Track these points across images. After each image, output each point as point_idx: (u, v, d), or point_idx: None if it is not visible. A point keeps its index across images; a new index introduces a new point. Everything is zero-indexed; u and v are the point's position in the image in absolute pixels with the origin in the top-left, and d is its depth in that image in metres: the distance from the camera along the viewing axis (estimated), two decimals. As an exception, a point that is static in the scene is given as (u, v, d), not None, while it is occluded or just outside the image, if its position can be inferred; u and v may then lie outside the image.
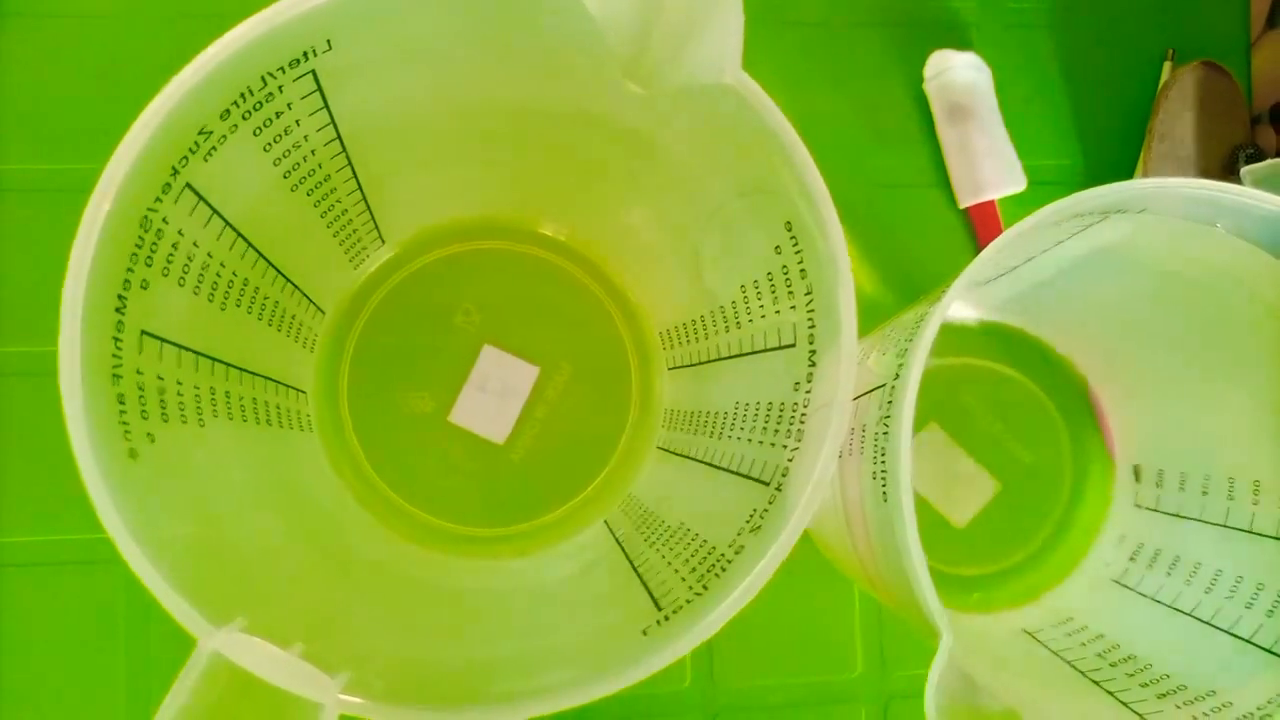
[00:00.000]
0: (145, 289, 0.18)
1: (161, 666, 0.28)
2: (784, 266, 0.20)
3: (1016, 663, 0.24)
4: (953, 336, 0.28)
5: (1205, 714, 0.20)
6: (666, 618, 0.18)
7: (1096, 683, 0.22)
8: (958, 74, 0.31)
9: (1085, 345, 0.27)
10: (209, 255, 0.20)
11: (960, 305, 0.28)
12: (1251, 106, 0.33)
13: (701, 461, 0.24)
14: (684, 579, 0.20)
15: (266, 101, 0.19)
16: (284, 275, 0.24)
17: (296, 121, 0.20)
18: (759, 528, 0.19)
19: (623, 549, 0.25)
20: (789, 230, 0.20)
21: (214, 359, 0.22)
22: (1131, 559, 0.25)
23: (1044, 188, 0.32)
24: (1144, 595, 0.24)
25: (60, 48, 0.29)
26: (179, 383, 0.20)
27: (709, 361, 0.25)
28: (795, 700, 0.29)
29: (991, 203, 0.31)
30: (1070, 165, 0.32)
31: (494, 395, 0.29)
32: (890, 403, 0.19)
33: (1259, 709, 0.20)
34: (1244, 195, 0.19)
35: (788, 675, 0.29)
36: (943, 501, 0.28)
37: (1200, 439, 0.25)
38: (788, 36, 0.32)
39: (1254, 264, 0.21)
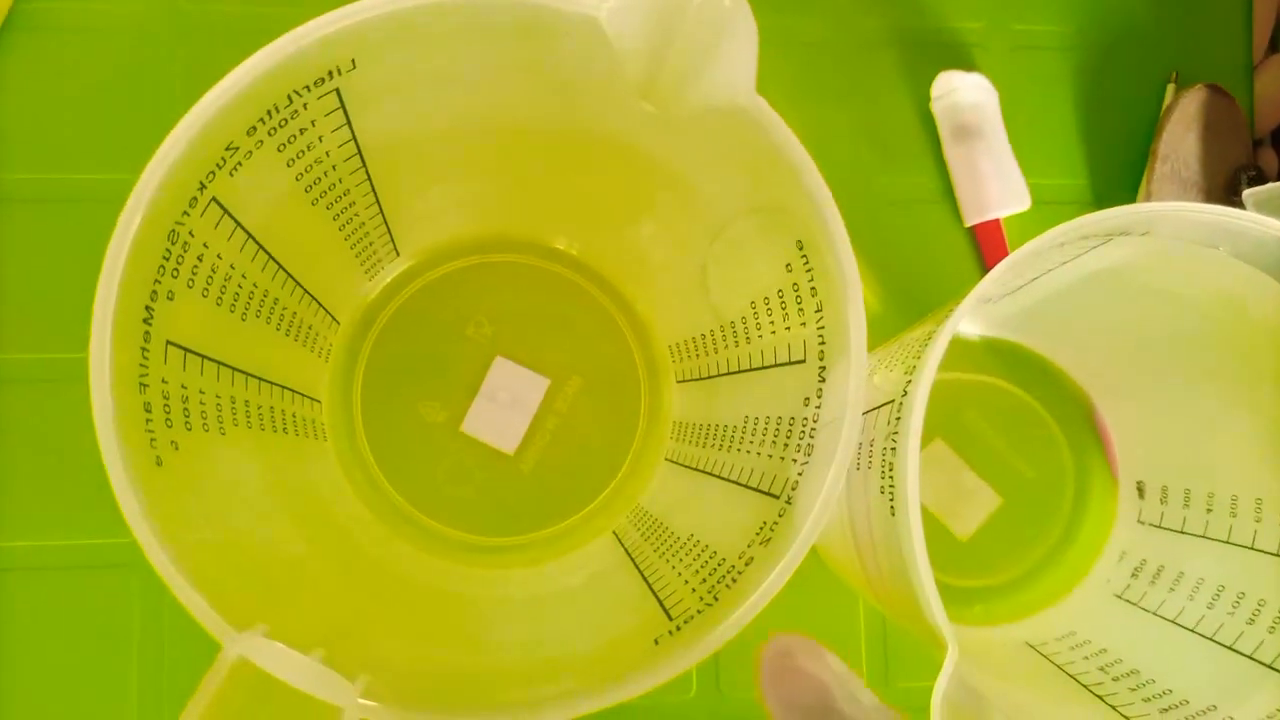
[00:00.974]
0: (171, 300, 0.19)
1: (174, 670, 0.28)
2: (794, 284, 0.21)
3: (1020, 675, 0.25)
4: (957, 352, 0.29)
5: (1206, 728, 0.21)
6: (678, 628, 0.19)
7: (1099, 696, 0.22)
8: (965, 95, 0.31)
9: (1088, 362, 0.28)
10: (231, 267, 0.21)
11: (965, 321, 0.28)
12: (1254, 129, 0.33)
13: (711, 474, 0.24)
14: (694, 590, 0.20)
15: (291, 118, 0.19)
16: (301, 286, 0.25)
17: (319, 138, 0.21)
18: (769, 540, 0.19)
19: (632, 559, 0.25)
20: (800, 249, 0.20)
21: (234, 368, 0.22)
22: (1134, 575, 0.26)
23: (1048, 207, 0.32)
24: (1146, 611, 0.25)
25: (64, 61, 0.30)
26: (201, 391, 0.20)
27: (718, 376, 0.26)
28: (799, 711, 0.30)
29: (996, 221, 0.32)
30: (1074, 185, 0.33)
31: (505, 406, 0.29)
32: (898, 419, 0.19)
33: (1259, 724, 0.20)
34: (1246, 219, 0.19)
35: (792, 686, 0.30)
36: (947, 514, 0.28)
37: (1203, 456, 0.25)
38: (797, 56, 0.32)
39: (1255, 286, 0.21)
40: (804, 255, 0.20)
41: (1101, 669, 0.23)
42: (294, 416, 0.26)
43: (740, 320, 0.24)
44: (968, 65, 0.32)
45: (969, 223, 0.32)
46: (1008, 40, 0.33)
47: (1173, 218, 0.20)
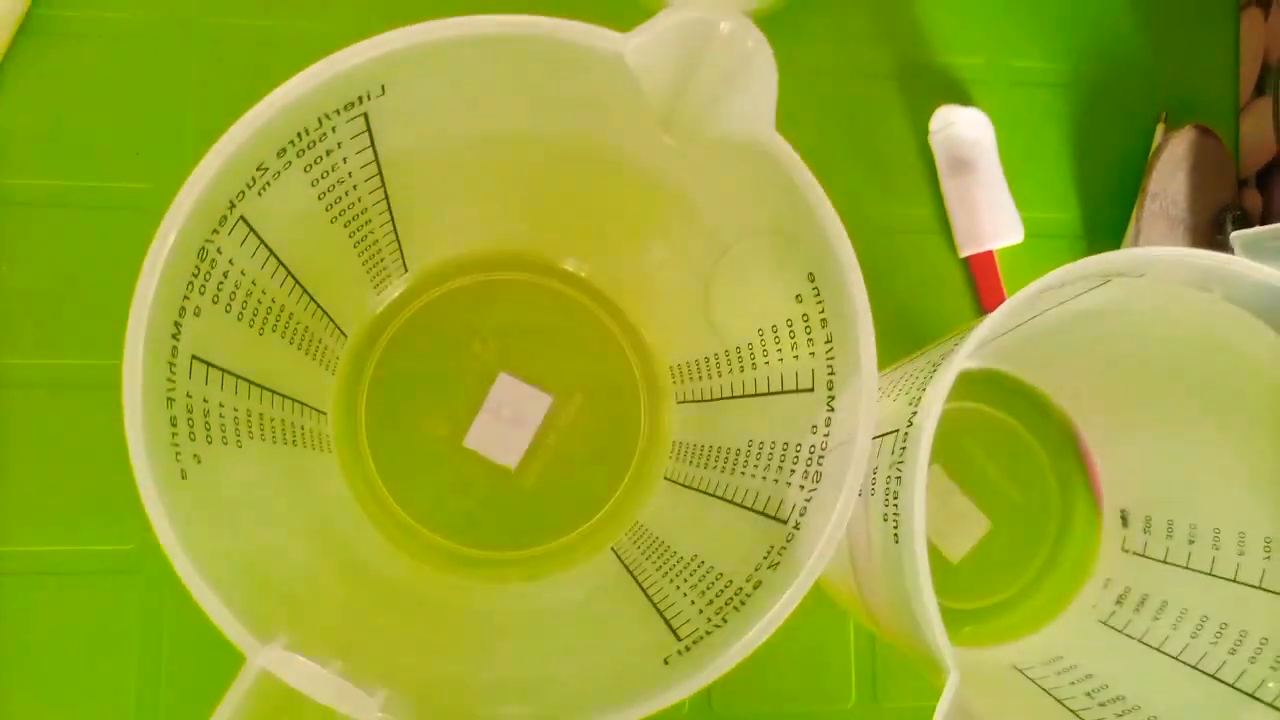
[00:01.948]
0: (197, 316, 0.19)
1: (173, 677, 0.28)
2: (804, 315, 0.21)
3: (1007, 698, 0.25)
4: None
5: (1189, 754, 0.21)
6: (687, 648, 0.19)
7: (1086, 721, 0.23)
8: (962, 129, 0.32)
9: (1075, 393, 0.29)
10: (253, 282, 0.21)
11: (961, 351, 0.29)
12: (1239, 169, 0.34)
13: (713, 495, 0.25)
14: (701, 610, 0.20)
15: (320, 140, 0.20)
16: (314, 300, 0.25)
17: (344, 158, 0.21)
18: (777, 564, 0.20)
19: (634, 576, 0.25)
20: (811, 281, 0.21)
21: (250, 381, 0.22)
22: (1119, 601, 0.26)
23: (1040, 239, 0.33)
24: (1131, 638, 0.25)
25: (78, 68, 0.30)
26: (221, 405, 0.21)
27: (721, 399, 0.26)
28: (789, 728, 0.30)
29: (990, 252, 0.33)
30: (1066, 219, 0.34)
31: (507, 422, 0.29)
32: (903, 449, 0.20)
33: (1240, 751, 0.21)
34: (1240, 265, 0.20)
35: (783, 704, 0.30)
36: (938, 537, 0.29)
37: (1187, 489, 0.26)
38: (799, 82, 0.33)
39: (1244, 329, 0.22)
40: (815, 288, 0.21)
41: (1088, 694, 0.24)
42: (302, 429, 0.26)
43: (746, 346, 0.25)
44: (966, 99, 0.33)
45: (963, 253, 0.33)
46: (1006, 76, 0.34)
47: (1170, 262, 0.20)
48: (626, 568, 0.26)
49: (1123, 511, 0.28)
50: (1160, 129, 0.34)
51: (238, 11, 0.31)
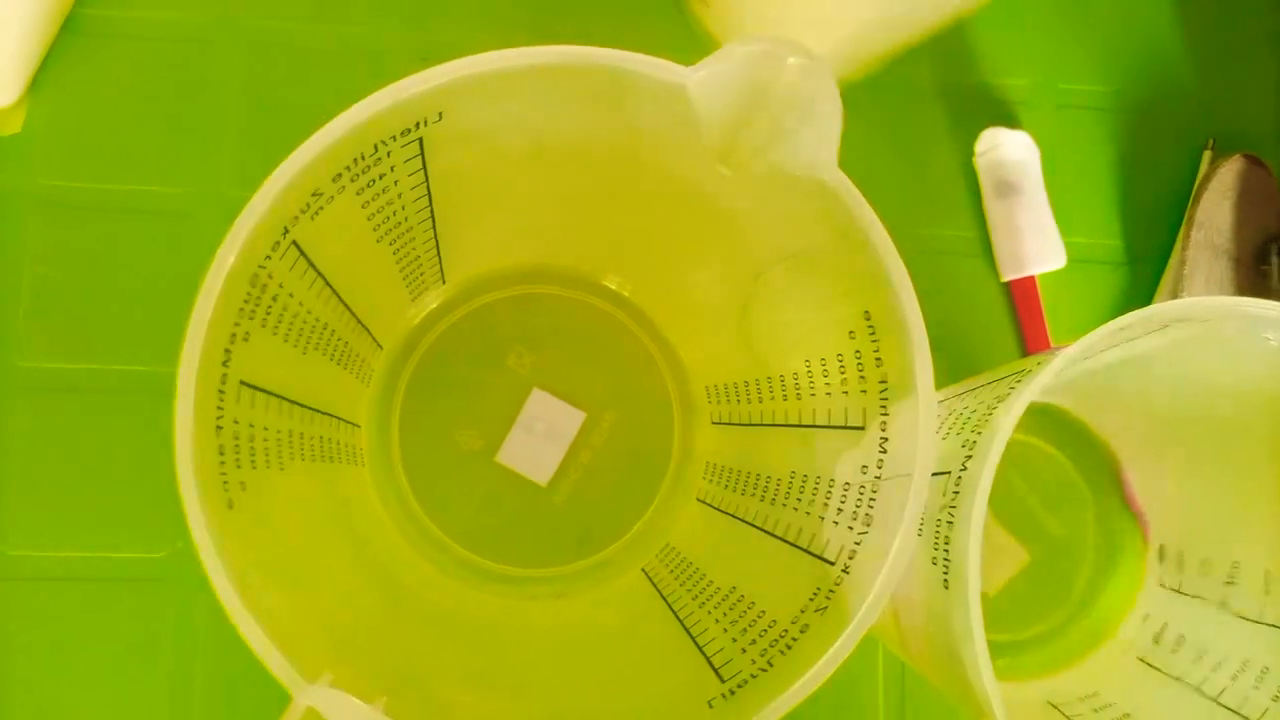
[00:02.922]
0: (246, 340, 0.19)
1: (205, 689, 0.28)
2: (857, 351, 0.21)
3: (1041, 736, 0.25)
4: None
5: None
6: (732, 691, 0.19)
7: (1123, 764, 0.23)
8: (1008, 151, 0.32)
9: (1121, 430, 0.28)
10: (300, 304, 0.21)
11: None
12: (1286, 199, 0.34)
13: (752, 525, 0.25)
14: (744, 650, 0.20)
15: (374, 165, 0.20)
16: (355, 316, 0.25)
17: (395, 181, 0.21)
18: (825, 609, 0.19)
19: (668, 603, 0.25)
20: (867, 319, 0.20)
21: (293, 401, 0.22)
22: (1156, 639, 0.26)
23: (1083, 265, 0.33)
24: (1170, 676, 0.25)
25: (121, 69, 0.30)
26: (265, 428, 0.20)
27: (762, 425, 0.26)
28: (815, 753, 0.30)
29: (1032, 277, 0.32)
30: (1109, 245, 0.33)
31: (540, 437, 0.29)
32: (956, 493, 0.20)
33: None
34: (1302, 316, 0.20)
35: (810, 729, 0.30)
36: (975, 569, 0.29)
37: (1228, 533, 0.25)
38: (845, 99, 0.32)
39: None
40: (871, 326, 0.20)
41: (1126, 735, 0.24)
42: (337, 443, 0.26)
43: (791, 375, 0.24)
44: (1012, 121, 0.33)
45: (1005, 278, 0.32)
46: (1053, 98, 0.33)
47: (1228, 310, 0.20)
48: (660, 593, 0.26)
49: (1161, 547, 0.28)
50: (1207, 156, 0.33)
51: (283, 14, 0.30)
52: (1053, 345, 0.32)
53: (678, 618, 0.24)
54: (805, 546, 0.22)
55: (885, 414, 0.20)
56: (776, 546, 0.23)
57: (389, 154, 0.19)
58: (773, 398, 0.25)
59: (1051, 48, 0.33)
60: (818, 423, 0.23)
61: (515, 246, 0.29)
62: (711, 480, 0.29)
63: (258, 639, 0.16)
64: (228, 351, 0.18)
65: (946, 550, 0.19)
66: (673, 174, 0.23)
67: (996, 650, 0.28)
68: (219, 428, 0.18)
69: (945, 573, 0.19)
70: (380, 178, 0.20)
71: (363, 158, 0.19)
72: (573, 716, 0.20)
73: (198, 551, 0.16)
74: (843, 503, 0.21)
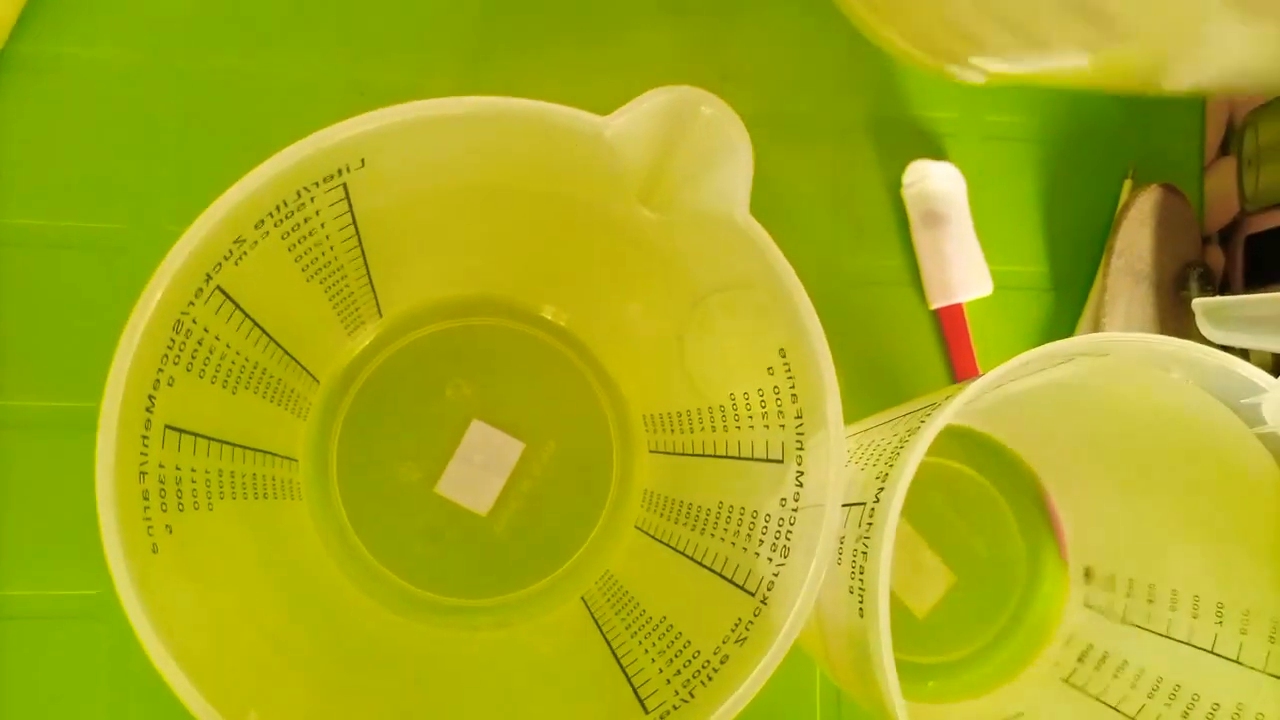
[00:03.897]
0: (171, 385, 0.19)
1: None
2: (775, 387, 0.22)
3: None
4: (920, 435, 0.30)
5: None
6: (654, 722, 0.19)
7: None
8: (934, 183, 0.33)
9: (1042, 454, 0.29)
10: (227, 346, 0.21)
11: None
12: (1203, 227, 0.35)
13: (684, 554, 0.25)
14: (669, 681, 0.21)
15: (298, 210, 0.20)
16: (289, 354, 0.25)
17: (321, 224, 0.21)
18: (744, 639, 0.20)
19: (603, 633, 0.26)
20: (783, 356, 0.21)
21: (222, 441, 0.22)
22: (1080, 659, 0.27)
23: (1009, 291, 0.34)
24: (1091, 696, 0.26)
25: (56, 107, 0.30)
26: (192, 470, 0.21)
27: (695, 455, 0.27)
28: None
29: (960, 305, 0.33)
30: (1034, 272, 0.34)
31: (480, 468, 0.30)
32: (870, 524, 0.20)
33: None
34: (1199, 351, 0.21)
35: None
36: (905, 591, 0.29)
37: (1147, 551, 0.26)
38: (776, 131, 0.33)
39: (1202, 406, 0.23)
40: (786, 363, 0.21)
41: (1046, 754, 0.24)
42: (273, 479, 0.26)
43: (719, 408, 0.25)
44: (939, 153, 0.34)
45: (933, 305, 0.33)
46: (979, 130, 0.34)
47: (1134, 346, 0.21)
48: (596, 623, 0.27)
49: (1087, 569, 0.29)
50: (1127, 186, 0.35)
51: (216, 52, 0.30)
52: (979, 368, 0.33)
53: (610, 648, 0.24)
54: (730, 577, 0.22)
55: (801, 448, 0.21)
56: (706, 577, 0.24)
57: (312, 199, 0.20)
58: (704, 428, 0.26)
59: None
60: (743, 454, 0.24)
61: (451, 279, 0.29)
62: (649, 509, 0.29)
63: (179, 682, 0.17)
64: (151, 397, 0.18)
65: (862, 579, 0.20)
66: (603, 212, 0.23)
67: (926, 672, 0.29)
68: (143, 473, 0.18)
69: (860, 601, 0.20)
70: (305, 221, 0.21)
71: (285, 204, 0.19)
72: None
73: (119, 597, 0.16)
74: (764, 534, 0.22)
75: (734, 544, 0.23)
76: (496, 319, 0.30)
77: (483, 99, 0.19)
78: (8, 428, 0.29)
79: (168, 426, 0.19)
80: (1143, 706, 0.25)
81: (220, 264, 0.19)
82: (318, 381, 0.29)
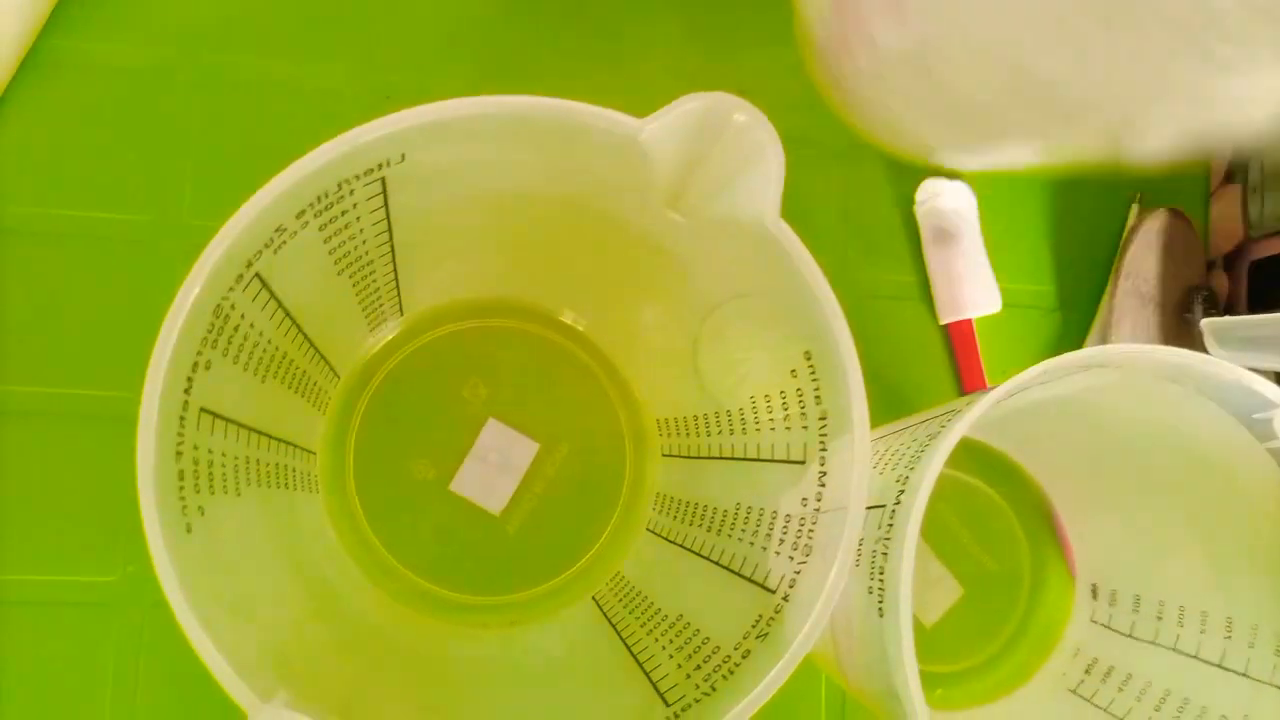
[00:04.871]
0: (208, 369, 0.19)
1: (148, 713, 0.28)
2: (799, 390, 0.22)
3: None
4: (930, 446, 0.30)
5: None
6: (677, 715, 0.20)
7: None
8: (946, 200, 0.33)
9: (1050, 467, 0.30)
10: (260, 334, 0.21)
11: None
12: (1208, 251, 0.36)
13: (699, 555, 0.25)
14: (689, 676, 0.21)
15: (337, 202, 0.20)
16: (314, 345, 0.25)
17: (358, 218, 0.22)
18: (766, 635, 0.20)
19: (618, 632, 0.26)
20: (808, 360, 0.21)
21: (250, 428, 0.23)
22: (1087, 671, 0.27)
23: (1018, 310, 0.34)
24: (1098, 707, 0.26)
25: (82, 100, 0.30)
26: (223, 454, 0.21)
27: (709, 458, 0.27)
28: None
29: (969, 321, 0.34)
30: (1042, 291, 0.35)
31: (494, 467, 0.30)
32: (890, 525, 0.21)
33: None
34: (1211, 364, 0.21)
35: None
36: (914, 601, 0.30)
37: (1155, 567, 0.27)
38: (792, 149, 0.34)
39: (1211, 419, 0.23)
40: (811, 366, 0.21)
41: (1053, 762, 0.25)
42: (293, 470, 0.26)
43: (738, 410, 0.25)
44: (951, 172, 0.34)
45: (943, 321, 0.34)
46: (990, 150, 0.35)
47: (1146, 357, 0.21)
48: (609, 620, 0.27)
49: (1093, 584, 0.29)
50: (1134, 209, 0.35)
51: (242, 52, 0.31)
52: (987, 383, 0.34)
53: (626, 645, 0.25)
54: (749, 575, 0.23)
55: (824, 450, 0.21)
56: (722, 575, 0.24)
57: (352, 192, 0.20)
58: (720, 432, 0.26)
59: (990, 103, 0.35)
60: (762, 457, 0.24)
61: (473, 280, 0.29)
62: (661, 511, 0.29)
63: (215, 661, 0.17)
64: (190, 379, 0.19)
65: (881, 580, 0.20)
66: (624, 218, 0.24)
67: (933, 681, 0.29)
68: (179, 453, 0.18)
69: (880, 602, 0.20)
70: (343, 214, 0.21)
71: (326, 195, 0.20)
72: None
73: (157, 574, 0.17)
74: (784, 533, 0.22)
75: (752, 543, 0.23)
76: (515, 321, 0.31)
77: (523, 98, 0.19)
78: (29, 416, 0.29)
79: (203, 410, 0.20)
80: (1149, 719, 0.25)
81: (261, 251, 0.19)
82: (338, 375, 0.29)
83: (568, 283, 0.29)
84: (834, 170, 0.34)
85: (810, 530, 0.21)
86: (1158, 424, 0.25)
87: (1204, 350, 0.28)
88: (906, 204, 0.34)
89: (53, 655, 0.28)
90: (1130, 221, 0.35)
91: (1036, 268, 0.35)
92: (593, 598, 0.29)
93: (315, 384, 0.27)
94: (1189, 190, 0.36)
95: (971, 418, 0.20)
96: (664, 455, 0.30)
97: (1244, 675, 0.24)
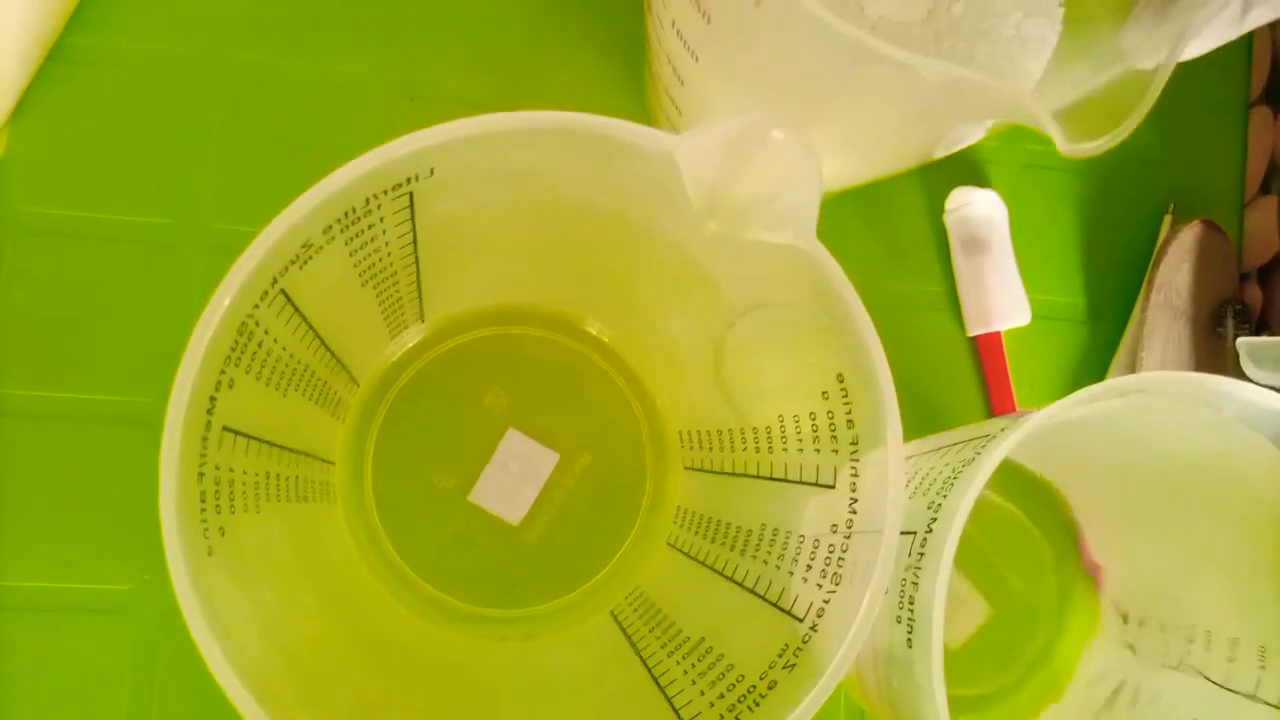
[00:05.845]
0: (231, 387, 0.19)
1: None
2: (830, 411, 0.22)
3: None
4: (957, 463, 0.30)
5: None
6: (701, 746, 0.19)
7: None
8: (976, 209, 0.33)
9: (1079, 488, 0.29)
10: (283, 349, 0.21)
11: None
12: (1242, 264, 0.35)
13: (724, 575, 0.25)
14: (712, 705, 0.21)
15: (364, 217, 0.20)
16: (335, 356, 0.25)
17: (384, 231, 0.21)
18: (793, 665, 0.20)
19: (637, 651, 0.26)
20: (840, 382, 0.21)
21: (271, 443, 0.22)
22: (1114, 695, 0.27)
23: (1046, 322, 0.34)
24: (1122, 733, 0.26)
25: (105, 98, 0.30)
26: (244, 472, 0.21)
27: (735, 474, 0.27)
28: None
29: (997, 332, 0.33)
30: (1072, 303, 0.34)
31: (514, 477, 0.29)
32: (923, 554, 0.20)
33: None
34: (1251, 392, 0.21)
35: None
36: (939, 624, 0.29)
37: (1183, 592, 0.26)
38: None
39: (1248, 450, 0.22)
40: (844, 389, 0.21)
41: (1079, 790, 0.24)
42: (311, 482, 0.26)
43: (764, 429, 0.25)
44: (981, 180, 0.34)
45: (971, 333, 0.33)
46: (1020, 158, 0.34)
47: (1187, 384, 0.21)
48: (628, 637, 0.26)
49: (1121, 606, 0.29)
50: (1167, 220, 0.35)
51: (265, 48, 0.30)
52: (1015, 396, 0.33)
53: (645, 665, 0.24)
54: (774, 601, 0.22)
55: (855, 474, 0.21)
56: (746, 598, 0.24)
57: (379, 206, 0.20)
58: (745, 448, 0.26)
59: (1021, 110, 0.34)
60: (789, 477, 0.24)
61: (496, 288, 0.29)
62: (682, 525, 0.29)
63: (233, 686, 0.17)
64: (213, 399, 0.18)
65: (911, 610, 0.20)
66: (654, 230, 0.23)
67: (958, 705, 0.29)
68: (201, 474, 0.18)
69: (909, 631, 0.20)
70: (369, 228, 0.20)
71: (354, 210, 0.19)
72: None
73: (178, 601, 0.16)
74: (812, 559, 0.22)
75: (778, 567, 0.23)
76: (537, 329, 0.30)
77: (555, 114, 0.19)
78: (47, 420, 0.28)
79: (225, 428, 0.19)
80: (1176, 746, 0.25)
81: (287, 268, 0.19)
82: (358, 384, 0.29)
83: (593, 292, 0.28)
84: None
85: (840, 558, 0.21)
86: (1191, 446, 0.24)
87: (1236, 366, 0.28)
88: (936, 212, 0.33)
89: (69, 663, 0.28)
90: (1163, 233, 0.34)
91: (1067, 279, 0.34)
92: (611, 613, 0.29)
93: (335, 393, 0.27)
94: (1223, 201, 0.35)
95: (1007, 446, 0.20)
96: (686, 469, 0.30)
97: (1277, 708, 0.23)
